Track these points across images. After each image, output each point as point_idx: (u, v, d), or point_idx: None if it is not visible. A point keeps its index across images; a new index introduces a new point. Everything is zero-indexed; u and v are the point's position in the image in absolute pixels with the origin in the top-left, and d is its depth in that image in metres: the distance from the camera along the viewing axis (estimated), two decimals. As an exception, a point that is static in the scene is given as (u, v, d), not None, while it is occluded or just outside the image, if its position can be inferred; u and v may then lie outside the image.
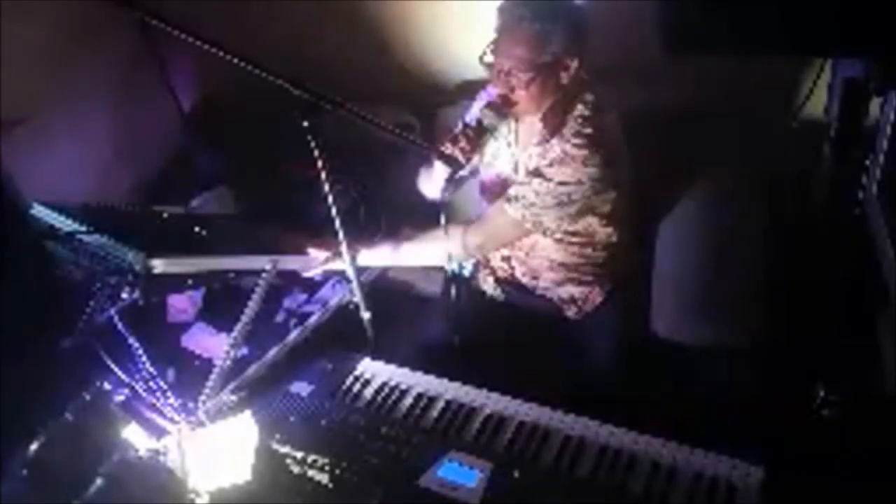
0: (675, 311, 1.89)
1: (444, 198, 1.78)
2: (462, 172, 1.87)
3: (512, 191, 1.79)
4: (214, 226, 2.17)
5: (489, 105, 1.76)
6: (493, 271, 2.09)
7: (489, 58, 1.71)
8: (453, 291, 1.96)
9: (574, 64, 1.69)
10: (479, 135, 1.78)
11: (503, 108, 1.76)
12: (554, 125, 1.78)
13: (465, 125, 1.81)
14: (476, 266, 2.20)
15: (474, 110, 1.91)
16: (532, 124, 1.84)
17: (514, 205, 1.77)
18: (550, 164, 1.74)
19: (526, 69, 1.66)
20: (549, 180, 1.72)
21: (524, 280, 2.02)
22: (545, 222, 1.77)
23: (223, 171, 2.82)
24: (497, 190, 1.92)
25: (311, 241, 1.90)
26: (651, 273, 1.99)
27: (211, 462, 1.42)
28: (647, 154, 1.91)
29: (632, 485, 1.30)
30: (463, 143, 1.77)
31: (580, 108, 1.76)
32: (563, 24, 1.64)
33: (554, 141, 1.77)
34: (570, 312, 1.98)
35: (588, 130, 1.73)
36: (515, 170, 1.90)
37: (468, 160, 1.79)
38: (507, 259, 2.03)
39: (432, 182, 1.90)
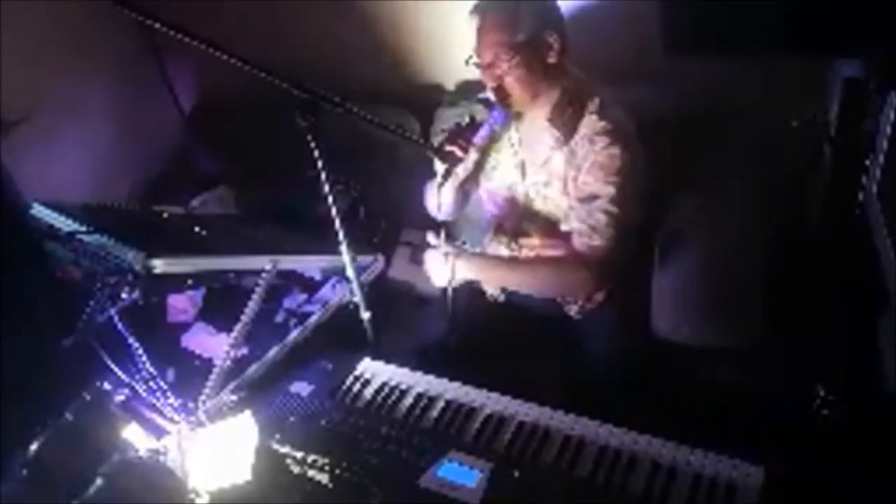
0: (675, 311, 1.89)
1: (441, 197, 1.79)
2: (459, 172, 1.88)
3: (586, 224, 1.75)
4: (214, 226, 2.17)
5: (479, 100, 1.78)
6: None
7: (475, 59, 1.76)
8: (451, 291, 1.95)
9: (555, 42, 1.73)
10: (472, 130, 1.79)
11: (498, 101, 1.77)
12: (568, 127, 1.79)
13: (457, 124, 1.83)
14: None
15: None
16: (533, 123, 1.84)
17: (604, 231, 1.73)
18: (597, 178, 1.74)
19: (506, 52, 1.70)
20: (611, 184, 1.73)
21: None
22: (635, 218, 1.78)
23: (223, 171, 2.82)
24: (503, 195, 1.93)
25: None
26: (651, 273, 1.99)
27: (211, 462, 1.42)
28: (648, 155, 1.91)
29: (632, 485, 1.30)
30: (458, 140, 1.78)
31: (592, 106, 1.78)
32: (528, 2, 1.72)
33: (578, 149, 1.77)
34: (573, 312, 1.98)
35: (610, 126, 1.75)
36: (523, 174, 1.90)
37: (465, 153, 1.80)
38: (513, 259, 2.02)
39: (437, 197, 1.90)
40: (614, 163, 1.72)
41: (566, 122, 1.79)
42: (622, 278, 1.98)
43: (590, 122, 1.77)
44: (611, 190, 1.73)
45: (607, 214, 1.74)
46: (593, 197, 1.75)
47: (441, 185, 1.81)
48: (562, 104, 1.79)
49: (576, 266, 1.78)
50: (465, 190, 2.01)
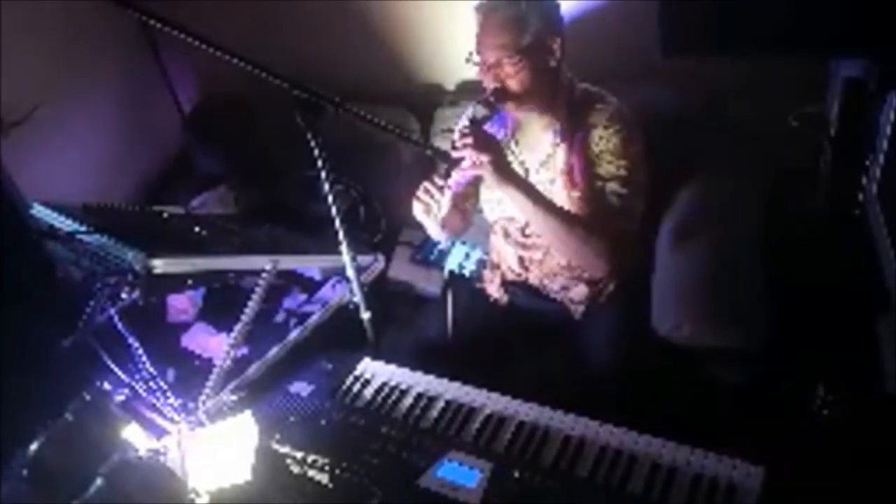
0: (675, 311, 1.88)
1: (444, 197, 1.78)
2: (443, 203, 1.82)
3: (602, 206, 1.77)
4: (214, 226, 2.17)
5: (480, 101, 1.77)
6: (501, 273, 2.08)
7: (476, 58, 1.74)
8: (450, 294, 1.95)
9: (557, 45, 1.73)
10: (476, 132, 1.77)
11: (498, 103, 1.75)
12: (571, 122, 1.79)
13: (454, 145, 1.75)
14: (480, 266, 2.19)
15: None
16: (531, 125, 1.84)
17: (619, 213, 1.76)
18: (610, 161, 1.75)
19: (511, 54, 1.68)
20: (622, 167, 1.75)
21: (536, 283, 2.01)
22: (640, 206, 1.81)
23: (223, 171, 2.82)
24: (507, 201, 1.92)
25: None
26: (652, 273, 1.99)
27: (211, 462, 1.42)
28: (648, 153, 1.91)
29: (632, 485, 1.30)
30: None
31: (595, 97, 1.80)
32: (535, 4, 1.70)
33: (590, 138, 1.78)
34: (577, 313, 1.97)
35: (619, 113, 1.77)
36: (526, 176, 1.90)
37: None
38: (521, 260, 2.02)
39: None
40: (626, 146, 1.75)
41: (570, 116, 1.79)
42: (626, 276, 1.98)
43: (599, 113, 1.78)
44: (623, 172, 1.75)
45: (619, 197, 1.76)
46: (606, 179, 1.76)
47: (441, 187, 1.77)
48: (560, 101, 1.79)
49: (601, 238, 1.75)
50: (463, 208, 1.97)
